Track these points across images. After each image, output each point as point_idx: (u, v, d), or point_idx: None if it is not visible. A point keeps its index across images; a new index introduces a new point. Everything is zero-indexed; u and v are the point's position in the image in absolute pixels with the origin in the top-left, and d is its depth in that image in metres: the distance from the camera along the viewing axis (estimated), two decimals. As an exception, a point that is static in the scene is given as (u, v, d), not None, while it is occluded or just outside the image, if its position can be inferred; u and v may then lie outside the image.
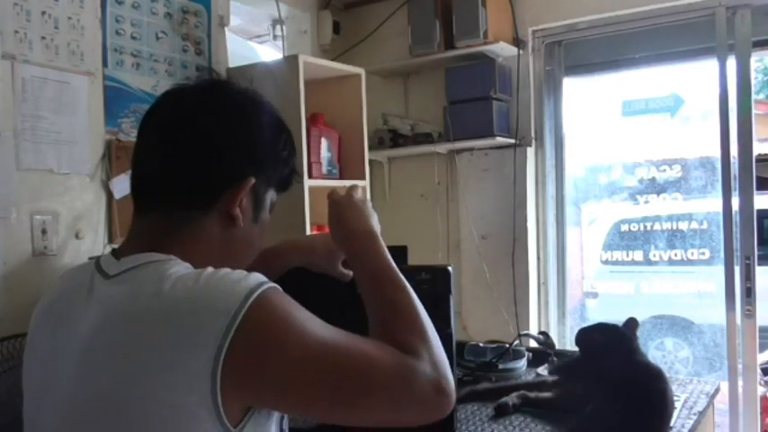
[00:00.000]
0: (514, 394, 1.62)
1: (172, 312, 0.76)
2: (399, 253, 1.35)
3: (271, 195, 0.95)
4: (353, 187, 1.08)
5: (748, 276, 2.45)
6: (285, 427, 0.92)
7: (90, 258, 0.95)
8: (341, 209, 1.04)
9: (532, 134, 2.79)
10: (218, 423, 0.74)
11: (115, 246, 0.92)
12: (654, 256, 3.51)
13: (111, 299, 0.82)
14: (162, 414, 0.74)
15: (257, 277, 0.79)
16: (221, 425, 0.74)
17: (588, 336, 1.52)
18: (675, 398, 1.54)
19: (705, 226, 3.31)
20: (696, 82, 2.98)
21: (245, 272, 0.80)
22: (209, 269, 0.80)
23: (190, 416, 0.73)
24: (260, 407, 0.80)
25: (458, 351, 1.65)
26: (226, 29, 2.43)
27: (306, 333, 0.77)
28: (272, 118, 0.95)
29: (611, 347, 1.45)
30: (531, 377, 1.87)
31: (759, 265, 2.47)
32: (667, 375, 1.45)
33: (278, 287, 0.80)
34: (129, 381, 0.75)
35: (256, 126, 0.92)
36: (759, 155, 2.63)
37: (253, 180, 0.89)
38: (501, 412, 1.57)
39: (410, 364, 0.81)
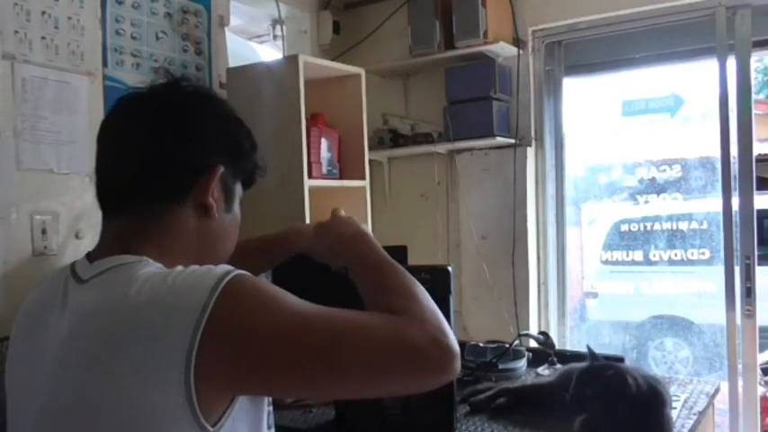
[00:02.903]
0: (491, 391, 1.62)
1: (140, 314, 0.75)
2: (399, 253, 1.35)
3: (238, 189, 0.97)
4: (336, 210, 1.15)
5: (748, 276, 2.45)
6: (271, 422, 0.91)
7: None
8: (329, 225, 1.11)
9: (532, 134, 2.79)
10: (194, 422, 0.73)
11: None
12: (654, 256, 3.50)
13: (83, 304, 0.81)
14: (136, 416, 0.73)
15: (223, 267, 0.78)
16: (197, 424, 0.74)
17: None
18: (675, 398, 1.53)
19: (705, 226, 3.30)
20: (696, 82, 2.97)
21: (212, 266, 0.80)
22: (179, 268, 0.80)
23: (164, 417, 0.73)
24: (249, 394, 0.79)
25: (458, 351, 1.65)
26: (226, 29, 2.43)
27: (281, 308, 0.77)
28: (231, 113, 0.97)
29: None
30: (531, 377, 1.87)
31: (759, 265, 2.47)
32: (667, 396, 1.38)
33: (247, 273, 0.79)
34: (102, 385, 0.75)
35: (219, 117, 0.94)
36: (759, 155, 2.63)
37: (222, 168, 0.91)
38: (475, 409, 1.58)
39: (400, 321, 0.80)
